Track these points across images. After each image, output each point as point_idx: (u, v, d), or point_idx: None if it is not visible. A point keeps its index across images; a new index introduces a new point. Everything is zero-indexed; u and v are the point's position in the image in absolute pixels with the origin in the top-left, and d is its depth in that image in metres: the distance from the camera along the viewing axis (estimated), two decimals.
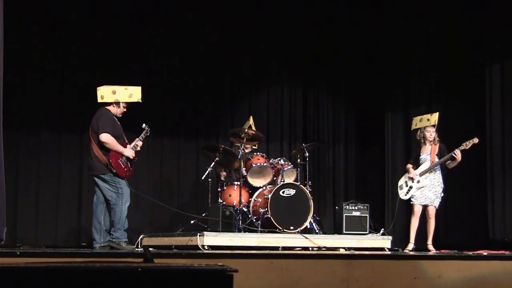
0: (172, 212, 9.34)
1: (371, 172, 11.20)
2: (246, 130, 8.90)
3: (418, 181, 8.40)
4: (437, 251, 8.07)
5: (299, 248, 7.91)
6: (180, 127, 10.53)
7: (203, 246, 7.32)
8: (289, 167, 8.98)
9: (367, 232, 9.04)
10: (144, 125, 7.71)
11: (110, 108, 7.50)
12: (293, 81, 11.24)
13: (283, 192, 8.49)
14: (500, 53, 9.76)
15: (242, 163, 8.75)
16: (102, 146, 7.30)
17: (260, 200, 8.57)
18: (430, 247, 8.30)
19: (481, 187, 9.91)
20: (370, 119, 11.21)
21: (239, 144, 9.05)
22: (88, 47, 9.95)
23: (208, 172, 8.59)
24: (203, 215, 8.59)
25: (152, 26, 10.32)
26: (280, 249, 7.76)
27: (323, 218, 10.33)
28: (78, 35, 9.94)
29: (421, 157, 8.52)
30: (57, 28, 9.84)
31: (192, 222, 8.56)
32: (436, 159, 8.40)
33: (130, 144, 7.53)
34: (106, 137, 7.28)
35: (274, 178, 8.93)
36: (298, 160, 9.17)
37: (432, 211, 8.36)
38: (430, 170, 8.37)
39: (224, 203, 8.55)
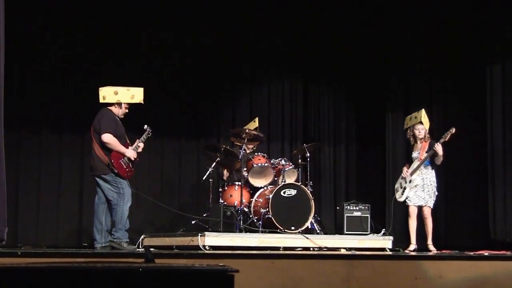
0: (173, 213, 9.34)
1: (372, 172, 11.20)
2: (247, 131, 8.90)
3: (410, 181, 8.37)
4: (438, 251, 8.06)
5: (300, 249, 7.91)
6: (181, 127, 10.53)
7: (204, 246, 7.32)
8: (290, 167, 8.98)
9: (368, 233, 9.03)
10: (145, 126, 7.72)
11: (112, 108, 7.51)
12: (293, 81, 11.22)
13: (284, 193, 8.49)
14: (501, 53, 9.76)
15: (242, 163, 8.75)
16: (104, 146, 7.30)
17: (261, 201, 8.57)
18: (431, 247, 8.29)
19: (482, 187, 9.90)
20: (371, 119, 11.21)
21: (240, 144, 9.05)
22: (89, 47, 9.95)
23: (209, 172, 8.59)
24: (204, 215, 8.59)
25: (152, 26, 10.32)
26: (281, 249, 7.75)
27: (324, 218, 10.32)
28: (79, 35, 9.94)
29: (412, 155, 8.49)
30: (58, 28, 9.84)
31: (193, 222, 8.56)
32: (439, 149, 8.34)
33: (131, 144, 7.53)
34: (108, 138, 7.28)
35: (275, 179, 8.93)
36: (299, 160, 9.17)
37: (427, 212, 8.32)
38: (419, 167, 8.33)
39: (225, 203, 8.55)
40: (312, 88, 11.33)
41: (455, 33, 10.21)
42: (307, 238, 8.04)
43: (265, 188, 8.79)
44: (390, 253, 8.01)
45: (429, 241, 8.34)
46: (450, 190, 10.21)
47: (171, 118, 10.40)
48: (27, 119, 9.69)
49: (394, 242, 8.63)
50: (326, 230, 9.45)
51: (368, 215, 9.23)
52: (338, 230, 9.33)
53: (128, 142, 7.53)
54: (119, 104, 7.50)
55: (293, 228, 8.32)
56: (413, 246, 8.35)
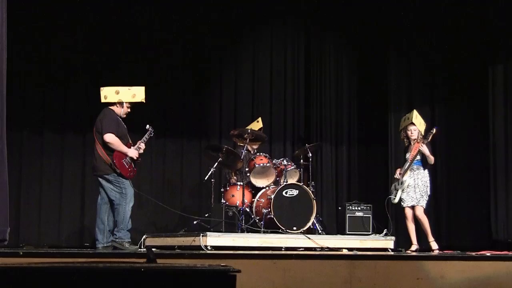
0: (175, 213, 9.34)
1: (374, 172, 11.18)
2: (249, 131, 8.90)
3: (402, 182, 8.36)
4: (440, 252, 8.06)
5: (302, 249, 7.90)
6: (183, 127, 10.53)
7: (206, 246, 7.31)
8: (292, 167, 8.97)
9: (370, 233, 9.03)
10: (148, 126, 7.72)
11: (114, 108, 7.51)
12: (296, 81, 11.21)
13: (286, 193, 8.49)
14: (503, 53, 9.76)
15: (244, 163, 8.75)
16: (106, 146, 7.30)
17: (263, 201, 8.57)
18: (433, 244, 8.26)
19: (484, 187, 9.90)
20: (374, 119, 11.20)
21: (242, 144, 9.04)
22: (91, 47, 9.95)
23: (211, 173, 8.59)
24: (206, 215, 8.59)
25: (153, 26, 10.32)
26: (283, 249, 7.75)
27: (326, 219, 10.31)
28: (81, 35, 9.94)
29: (406, 156, 8.49)
30: (59, 28, 9.84)
31: (195, 222, 8.56)
32: (418, 157, 8.33)
33: (134, 144, 7.54)
34: (110, 138, 7.28)
35: (277, 179, 8.92)
36: (301, 161, 9.16)
37: (419, 211, 8.29)
38: (409, 168, 8.32)
39: (227, 203, 8.55)
40: (314, 87, 11.31)
41: (458, 34, 10.21)
42: (309, 238, 8.03)
43: (267, 188, 8.79)
44: (392, 253, 8.00)
45: (430, 239, 8.32)
46: (452, 191, 10.21)
47: (173, 118, 10.40)
48: (29, 119, 9.70)
49: (397, 243, 8.62)
50: (328, 230, 9.44)
51: (370, 215, 9.23)
52: (340, 230, 9.33)
53: (130, 142, 7.53)
54: (120, 104, 7.49)
55: (295, 228, 8.32)
56: (414, 246, 8.34)
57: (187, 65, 10.58)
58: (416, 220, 8.35)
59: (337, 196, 11.07)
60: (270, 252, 7.00)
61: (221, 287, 3.07)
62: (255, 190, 8.85)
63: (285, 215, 8.36)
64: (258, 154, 9.00)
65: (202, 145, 10.39)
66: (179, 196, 10.43)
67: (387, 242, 8.44)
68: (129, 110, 7.58)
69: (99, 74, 9.69)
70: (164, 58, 10.40)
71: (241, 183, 8.66)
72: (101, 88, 7.54)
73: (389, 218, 8.94)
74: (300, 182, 8.86)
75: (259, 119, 9.83)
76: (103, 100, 7.50)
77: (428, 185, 8.33)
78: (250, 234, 8.06)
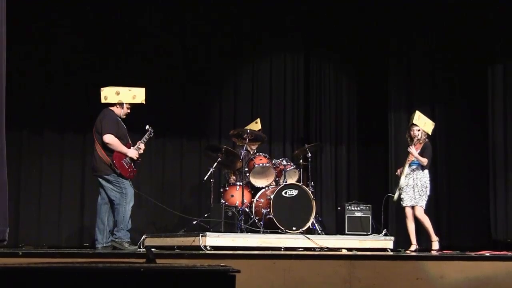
0: (175, 213, 9.33)
1: (373, 172, 11.19)
2: (248, 131, 8.90)
3: (400, 182, 8.38)
4: (440, 252, 8.06)
5: (302, 249, 7.91)
6: (182, 127, 10.53)
7: (205, 246, 7.31)
8: (292, 167, 8.97)
9: (369, 233, 9.03)
10: (147, 126, 7.72)
11: (114, 109, 7.50)
12: (295, 81, 11.22)
13: (285, 193, 8.49)
14: (502, 53, 9.76)
15: (244, 163, 8.75)
16: (105, 146, 7.30)
17: (263, 201, 8.57)
18: (434, 244, 8.26)
19: (484, 187, 9.91)
20: (373, 119, 11.20)
21: (241, 144, 9.05)
22: (91, 47, 9.95)
23: (211, 173, 8.58)
24: (205, 215, 8.59)
25: (153, 26, 10.32)
26: (282, 249, 7.75)
27: (325, 219, 10.31)
28: (81, 35, 9.94)
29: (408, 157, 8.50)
30: (59, 28, 9.84)
31: (194, 222, 8.56)
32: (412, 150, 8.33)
33: (133, 145, 7.53)
34: (110, 138, 7.28)
35: (277, 179, 8.92)
36: (301, 161, 9.16)
37: (418, 211, 8.29)
38: (405, 168, 8.33)
39: (226, 203, 8.55)
40: (313, 88, 11.32)
41: (457, 34, 10.22)
42: (309, 238, 8.03)
43: (266, 188, 8.79)
44: (392, 253, 8.00)
45: (433, 238, 8.31)
46: (452, 191, 10.21)
47: (173, 118, 10.40)
48: (29, 119, 9.70)
49: (396, 243, 8.62)
50: (327, 230, 9.44)
51: (370, 216, 9.22)
52: (340, 231, 9.33)
53: (130, 142, 7.52)
54: (120, 105, 7.49)
55: (294, 228, 8.32)
56: (414, 246, 8.34)
57: (187, 65, 10.58)
58: (417, 220, 8.36)
59: (337, 196, 11.07)
60: (269, 252, 7.00)
61: (220, 287, 3.07)
62: (254, 190, 8.85)
63: (285, 215, 8.36)
64: (257, 154, 9.00)
65: (201, 145, 10.40)
66: (178, 196, 10.44)
67: (386, 242, 8.44)
68: (129, 111, 7.58)
69: (99, 74, 9.69)
70: (164, 58, 10.40)
71: (241, 183, 8.66)
72: (102, 89, 7.54)
73: (384, 216, 8.93)
74: (300, 182, 8.86)
75: (258, 120, 9.83)
76: (103, 101, 7.50)
77: (428, 185, 8.32)
78: (249, 234, 8.06)
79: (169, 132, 10.36)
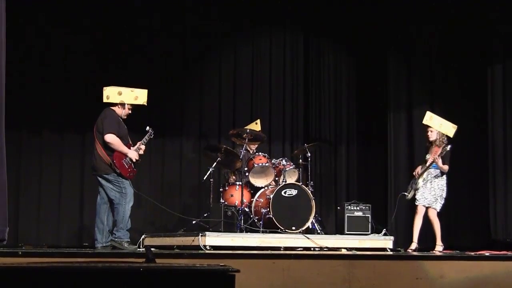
0: (174, 212, 9.34)
1: (373, 172, 11.18)
2: (248, 130, 8.90)
3: (417, 183, 8.38)
4: (440, 252, 8.07)
5: (301, 249, 7.90)
6: (182, 127, 10.53)
7: (205, 246, 7.31)
8: (291, 167, 8.97)
9: (369, 233, 9.03)
10: (148, 127, 7.72)
11: (116, 108, 7.51)
12: (295, 81, 11.22)
13: (285, 192, 8.49)
14: (502, 53, 9.76)
15: (243, 163, 8.75)
16: (106, 146, 7.31)
17: (262, 200, 8.57)
18: (438, 247, 8.27)
19: (483, 187, 9.91)
20: (373, 119, 11.20)
21: (241, 144, 9.04)
22: (91, 47, 9.95)
23: (210, 172, 8.58)
24: (205, 215, 8.59)
25: (153, 26, 10.32)
26: (282, 249, 7.75)
27: (325, 218, 10.31)
28: (81, 35, 9.93)
29: (426, 157, 8.50)
30: (59, 27, 9.83)
31: (194, 222, 8.56)
32: (439, 161, 8.31)
33: (134, 145, 7.53)
34: (111, 138, 7.28)
35: (276, 178, 8.92)
36: (300, 160, 9.16)
37: (431, 214, 8.34)
38: (424, 171, 8.34)
39: (226, 203, 8.54)
40: (313, 87, 11.32)
41: (457, 34, 10.22)
42: (308, 238, 8.03)
43: (266, 188, 8.79)
44: (391, 253, 8.00)
45: (438, 242, 8.33)
46: (451, 190, 10.19)
47: (172, 118, 10.40)
48: (29, 119, 9.69)
49: (396, 243, 8.63)
50: (327, 230, 9.45)
51: (369, 215, 9.22)
52: (339, 230, 9.33)
53: (130, 143, 7.53)
54: (122, 105, 7.50)
55: (294, 228, 8.31)
56: (414, 245, 8.35)
57: (186, 65, 10.58)
58: (425, 221, 8.37)
59: (336, 195, 11.07)
60: (269, 252, 7.00)
61: (220, 286, 3.07)
62: (254, 190, 8.85)
63: (284, 215, 8.36)
64: (257, 153, 9.00)
65: (201, 145, 10.39)
66: (178, 196, 10.44)
67: (386, 242, 8.44)
68: (130, 111, 7.58)
69: (98, 74, 9.68)
70: (164, 58, 10.40)
71: (240, 183, 8.66)
72: (104, 88, 7.54)
73: (394, 212, 8.95)
74: (299, 182, 8.86)
75: (258, 121, 9.82)
76: (105, 100, 7.50)
77: (445, 188, 8.37)
78: (249, 234, 8.06)
79: (169, 132, 10.36)
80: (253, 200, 8.68)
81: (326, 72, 11.32)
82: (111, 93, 7.49)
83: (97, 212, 7.47)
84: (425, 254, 7.42)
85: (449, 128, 8.47)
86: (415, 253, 7.87)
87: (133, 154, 7.42)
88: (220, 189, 8.88)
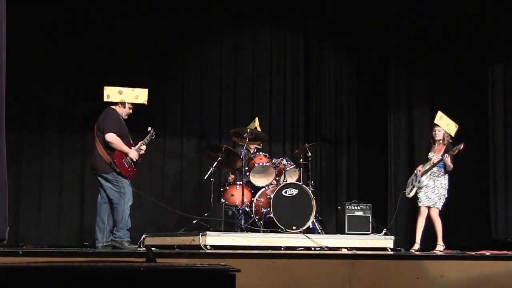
0: (174, 212, 9.34)
1: (373, 172, 11.19)
2: (248, 130, 8.90)
3: (420, 181, 8.39)
4: (440, 251, 8.07)
5: (302, 248, 7.90)
6: (182, 127, 10.53)
7: (205, 245, 7.31)
8: (292, 167, 8.97)
9: (369, 232, 9.03)
10: (149, 128, 7.72)
11: (116, 108, 7.51)
12: (295, 81, 11.22)
13: (285, 192, 8.49)
14: (502, 54, 9.76)
15: (244, 162, 8.75)
16: (107, 145, 7.31)
17: (263, 200, 8.57)
18: (439, 247, 8.27)
19: (484, 187, 9.90)
20: (373, 119, 11.20)
21: (241, 144, 9.05)
22: (92, 47, 9.94)
23: (211, 172, 8.59)
24: (205, 214, 8.59)
25: (153, 25, 10.32)
26: (282, 249, 7.74)
27: (325, 218, 10.31)
28: (80, 35, 9.93)
29: (428, 155, 8.50)
30: (59, 27, 9.83)
31: (194, 221, 8.56)
32: (448, 159, 8.30)
33: (135, 145, 7.53)
34: (111, 137, 7.29)
35: (277, 178, 8.92)
36: (301, 160, 9.16)
37: (434, 213, 8.35)
38: (430, 169, 8.34)
39: (226, 202, 8.55)
40: (314, 87, 11.32)
41: (457, 34, 10.21)
42: (309, 237, 8.03)
43: (266, 187, 8.79)
44: (392, 253, 8.00)
45: (439, 242, 8.33)
46: (452, 190, 10.18)
47: (173, 117, 10.41)
48: (29, 119, 9.70)
49: (397, 242, 8.62)
50: (328, 229, 9.44)
51: (370, 215, 9.23)
52: (340, 230, 9.33)
53: (131, 142, 7.53)
54: (122, 104, 7.50)
55: (294, 227, 8.31)
56: (417, 245, 8.36)
57: (187, 65, 10.58)
58: (427, 221, 8.37)
59: (337, 195, 11.07)
60: (269, 251, 7.00)
61: (220, 286, 3.08)
62: (254, 189, 8.85)
63: (285, 214, 8.36)
64: (257, 153, 9.00)
65: (201, 145, 10.40)
66: (178, 196, 10.44)
67: (386, 242, 8.44)
68: (130, 111, 7.59)
69: (98, 73, 9.68)
70: (164, 58, 10.40)
71: (241, 183, 8.66)
72: (105, 87, 7.55)
73: (396, 211, 8.94)
74: (300, 182, 8.86)
75: (256, 119, 9.82)
76: (105, 99, 7.51)
77: (447, 187, 8.37)
78: (249, 234, 8.05)
79: (169, 132, 10.36)
80: (253, 200, 8.68)
81: (326, 71, 11.32)
82: (111, 93, 7.50)
83: (97, 212, 7.48)
84: (426, 254, 7.42)
85: (453, 128, 8.50)
86: (415, 253, 7.87)
87: (133, 153, 7.42)
88: (221, 189, 8.89)
